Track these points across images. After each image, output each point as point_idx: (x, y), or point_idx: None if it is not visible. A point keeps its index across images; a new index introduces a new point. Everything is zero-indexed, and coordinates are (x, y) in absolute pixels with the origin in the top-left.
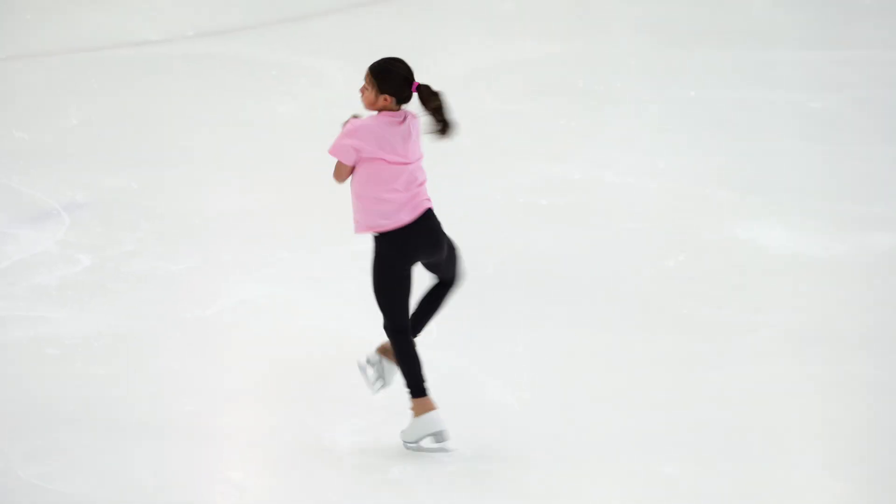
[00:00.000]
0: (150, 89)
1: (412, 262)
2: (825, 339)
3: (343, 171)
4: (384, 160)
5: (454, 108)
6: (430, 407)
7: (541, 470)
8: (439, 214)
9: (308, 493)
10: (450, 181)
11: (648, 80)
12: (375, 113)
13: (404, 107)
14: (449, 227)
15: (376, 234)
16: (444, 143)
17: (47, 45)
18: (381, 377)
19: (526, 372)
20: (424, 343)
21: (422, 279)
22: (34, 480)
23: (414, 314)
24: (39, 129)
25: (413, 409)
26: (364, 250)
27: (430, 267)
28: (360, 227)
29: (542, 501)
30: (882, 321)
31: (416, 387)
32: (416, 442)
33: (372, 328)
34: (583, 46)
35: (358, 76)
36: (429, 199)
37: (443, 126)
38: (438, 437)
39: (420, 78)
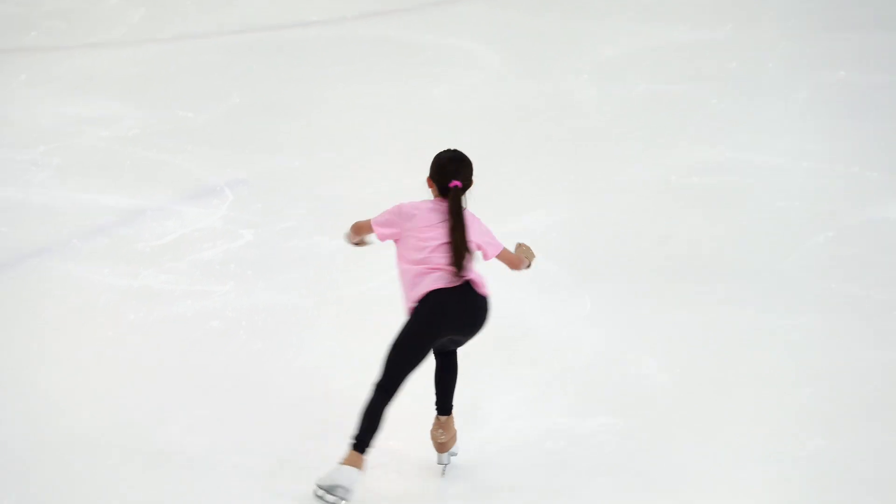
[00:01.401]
0: (308, 71)
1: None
2: None
3: None
4: None
5: (607, 93)
6: (358, 464)
7: (694, 449)
8: (593, 200)
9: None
10: (599, 165)
11: (797, 63)
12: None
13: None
14: (600, 214)
15: None
16: (591, 125)
17: (208, 27)
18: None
19: (678, 352)
20: (578, 318)
21: None
22: (194, 450)
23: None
24: (201, 110)
25: (346, 458)
26: (519, 230)
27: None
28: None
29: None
30: None
31: (363, 443)
32: (327, 487)
33: (525, 307)
34: (732, 31)
35: (510, 60)
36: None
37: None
38: (344, 493)
39: (572, 63)
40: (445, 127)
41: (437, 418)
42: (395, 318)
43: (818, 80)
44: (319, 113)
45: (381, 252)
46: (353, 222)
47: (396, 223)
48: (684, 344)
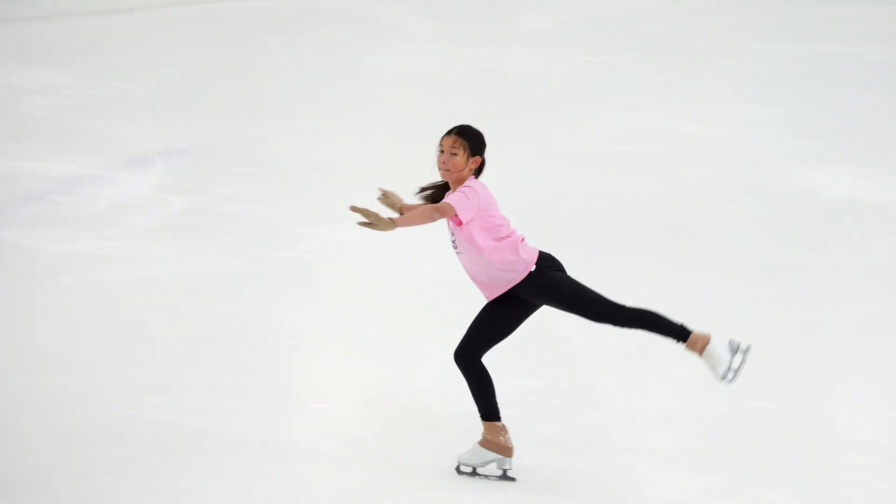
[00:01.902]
0: (243, 41)
1: None
2: (884, 278)
3: None
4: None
5: (536, 63)
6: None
7: (616, 407)
8: (522, 166)
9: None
10: (530, 133)
11: (719, 35)
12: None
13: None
14: (530, 179)
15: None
16: (526, 96)
17: (145, 0)
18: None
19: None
20: None
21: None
22: (133, 412)
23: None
24: (137, 80)
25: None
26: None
27: None
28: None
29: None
30: None
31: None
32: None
33: (456, 269)
34: (662, 2)
35: (442, 30)
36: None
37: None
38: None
39: (502, 33)
40: (377, 95)
41: (501, 425)
42: (326, 283)
43: (746, 50)
44: (254, 82)
45: (311, 218)
46: (405, 208)
47: (476, 207)
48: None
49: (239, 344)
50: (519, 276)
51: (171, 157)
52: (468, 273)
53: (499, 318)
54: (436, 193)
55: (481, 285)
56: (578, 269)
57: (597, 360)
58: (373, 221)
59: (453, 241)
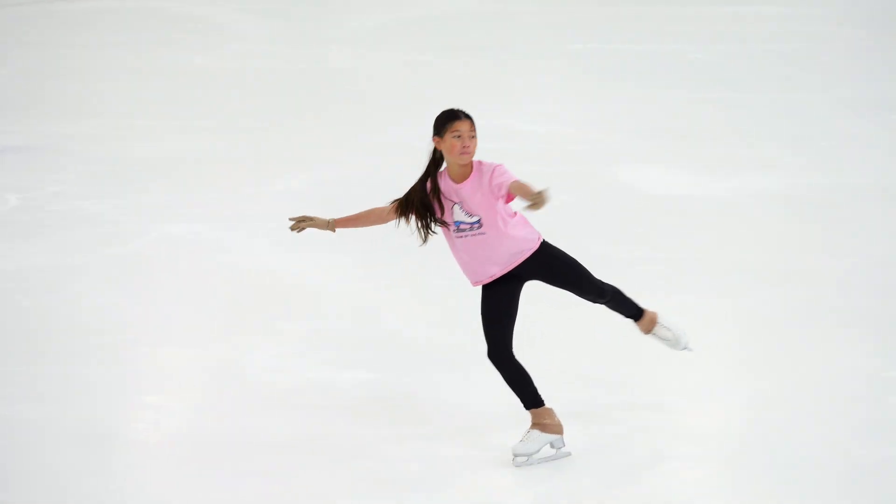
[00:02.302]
0: (83, 43)
1: None
2: (705, 272)
3: None
4: None
5: (362, 62)
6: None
7: (444, 397)
8: (352, 166)
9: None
10: (357, 130)
11: (549, 33)
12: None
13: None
14: (360, 177)
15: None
16: (353, 95)
17: None
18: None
19: (429, 309)
20: (336, 276)
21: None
22: None
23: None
24: None
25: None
26: (282, 190)
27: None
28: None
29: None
30: (757, 256)
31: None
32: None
33: (289, 263)
34: (488, 2)
35: (271, 30)
36: None
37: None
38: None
39: (330, 33)
40: (209, 94)
41: (548, 408)
42: (159, 278)
43: (571, 49)
44: (91, 81)
45: (143, 215)
46: (519, 181)
47: None
48: (440, 300)
49: (71, 338)
50: (534, 246)
51: (6, 155)
52: (479, 257)
53: (505, 305)
54: (412, 198)
55: (489, 266)
56: (417, 265)
57: (428, 354)
58: (537, 202)
59: (475, 224)
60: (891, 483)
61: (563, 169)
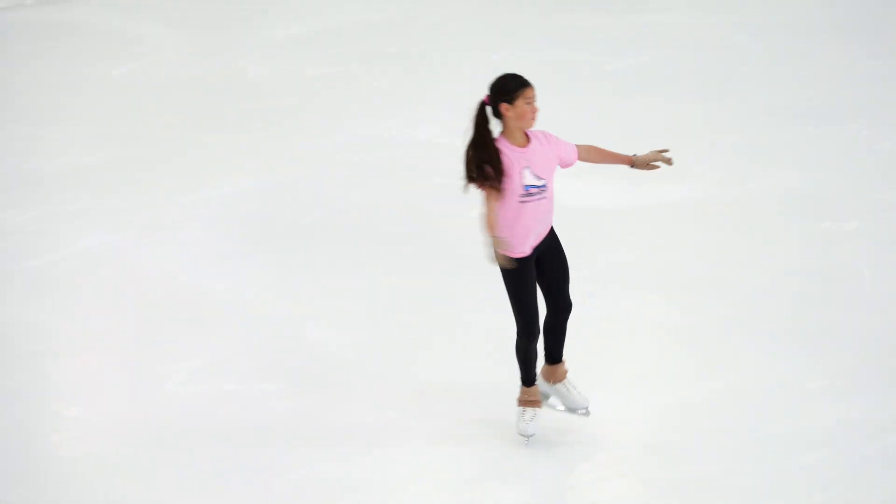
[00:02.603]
0: None
1: None
2: (627, 283)
3: None
4: None
5: (281, 72)
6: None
7: (356, 407)
8: (272, 176)
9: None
10: (277, 140)
11: (465, 43)
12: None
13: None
14: (280, 187)
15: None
16: (272, 105)
17: None
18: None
19: (349, 318)
20: (256, 285)
21: None
22: None
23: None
24: None
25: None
26: (201, 200)
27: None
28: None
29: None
30: (676, 266)
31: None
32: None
33: (205, 274)
34: (398, 13)
35: (189, 39)
36: None
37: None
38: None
39: (249, 42)
40: (126, 105)
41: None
42: (76, 290)
43: (485, 59)
44: (6, 94)
45: (61, 226)
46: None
47: None
48: (355, 309)
49: None
50: (551, 220)
51: None
52: (534, 222)
53: (533, 282)
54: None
55: (534, 235)
56: (338, 277)
57: (348, 366)
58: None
59: (542, 187)
60: (812, 489)
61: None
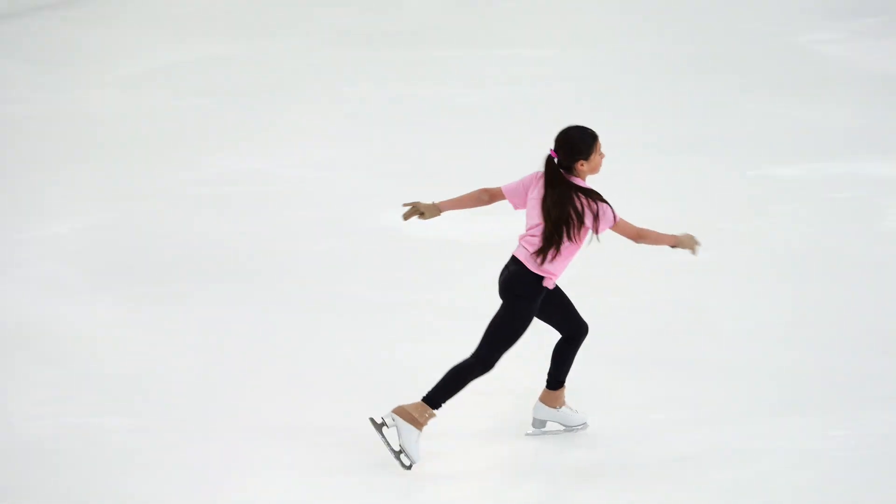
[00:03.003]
0: None
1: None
2: (473, 315)
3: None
4: None
5: (129, 107)
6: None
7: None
8: (120, 212)
9: None
10: (124, 176)
11: (313, 78)
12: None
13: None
14: (129, 224)
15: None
16: (118, 140)
17: None
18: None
19: (199, 350)
20: (104, 322)
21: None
22: None
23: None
24: None
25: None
26: (47, 237)
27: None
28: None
29: None
30: None
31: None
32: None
33: (52, 308)
34: (253, 47)
35: (38, 76)
36: (520, 248)
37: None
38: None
39: (93, 77)
40: None
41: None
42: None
43: (334, 92)
44: None
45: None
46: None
47: None
48: (205, 344)
49: None
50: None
51: None
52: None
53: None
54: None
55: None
56: (186, 308)
57: (198, 399)
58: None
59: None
60: None
61: (328, 213)
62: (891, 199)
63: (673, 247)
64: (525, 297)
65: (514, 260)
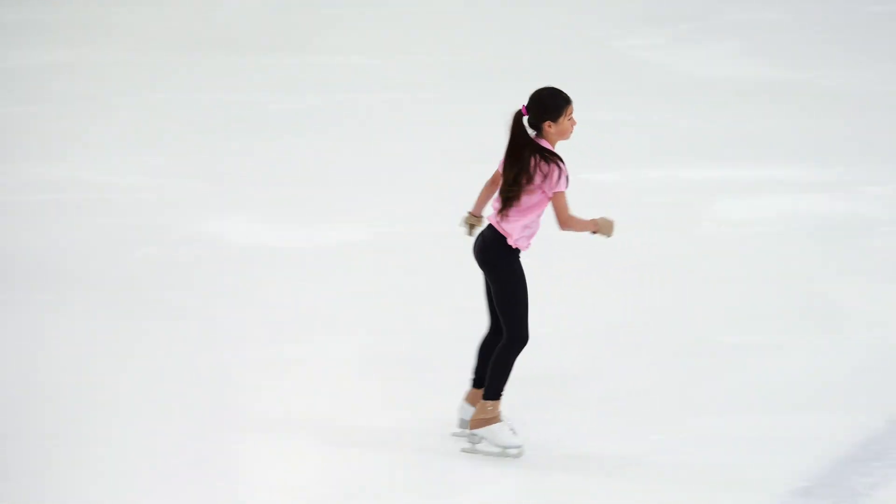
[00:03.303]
0: None
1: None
2: (297, 321)
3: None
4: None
5: None
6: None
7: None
8: None
9: None
10: None
11: (128, 85)
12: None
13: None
14: None
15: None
16: None
17: None
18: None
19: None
20: None
21: None
22: None
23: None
24: None
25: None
26: None
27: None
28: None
29: None
30: (352, 306)
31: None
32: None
33: None
34: (69, 55)
35: None
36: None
37: None
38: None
39: None
40: None
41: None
42: None
43: (148, 99)
44: None
45: None
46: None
47: None
48: (18, 351)
49: None
50: None
51: None
52: None
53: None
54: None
55: None
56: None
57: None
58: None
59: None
60: None
61: (142, 221)
62: (706, 203)
63: (593, 233)
64: (498, 261)
65: (487, 225)
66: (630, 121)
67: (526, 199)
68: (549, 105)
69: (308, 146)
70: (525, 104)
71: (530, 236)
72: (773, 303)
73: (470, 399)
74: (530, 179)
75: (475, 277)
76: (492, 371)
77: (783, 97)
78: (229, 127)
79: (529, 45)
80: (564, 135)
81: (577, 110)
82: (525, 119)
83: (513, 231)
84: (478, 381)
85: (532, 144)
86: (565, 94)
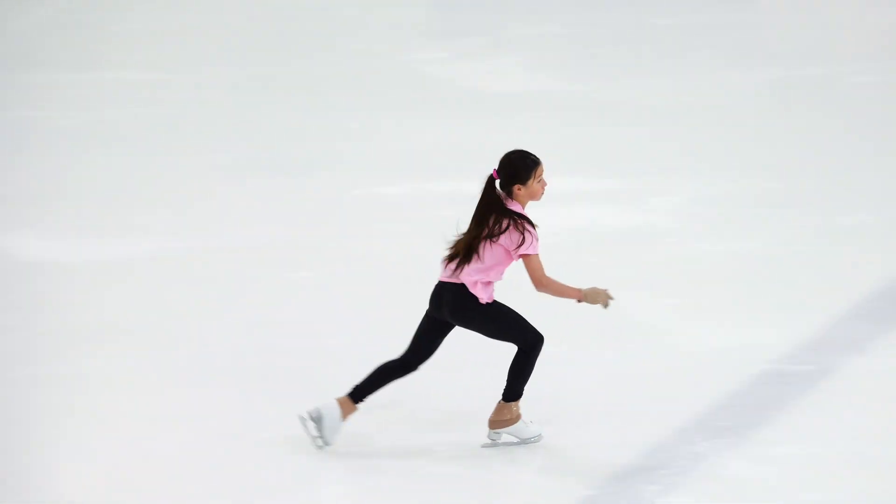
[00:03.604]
0: None
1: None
2: (93, 336)
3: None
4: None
5: None
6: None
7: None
8: None
9: None
10: None
11: None
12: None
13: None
14: None
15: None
16: None
17: None
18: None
19: None
20: None
21: None
22: None
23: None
24: None
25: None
26: None
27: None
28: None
29: None
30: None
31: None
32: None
33: None
34: None
35: None
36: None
37: None
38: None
39: None
40: None
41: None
42: None
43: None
44: None
45: None
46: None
47: None
48: None
49: None
50: None
51: None
52: None
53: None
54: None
55: None
56: None
57: None
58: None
59: None
60: None
61: None
62: None
63: (578, 301)
64: (475, 314)
65: (444, 287)
66: (417, 135)
67: (489, 258)
68: (518, 167)
69: (95, 162)
70: (496, 168)
71: (491, 287)
72: (567, 316)
73: (342, 405)
74: (492, 237)
75: (262, 292)
76: (511, 374)
77: (566, 110)
78: (15, 144)
79: (314, 57)
80: (535, 196)
81: (365, 123)
82: (497, 182)
83: (475, 288)
84: (355, 394)
85: (500, 207)
86: (534, 157)
